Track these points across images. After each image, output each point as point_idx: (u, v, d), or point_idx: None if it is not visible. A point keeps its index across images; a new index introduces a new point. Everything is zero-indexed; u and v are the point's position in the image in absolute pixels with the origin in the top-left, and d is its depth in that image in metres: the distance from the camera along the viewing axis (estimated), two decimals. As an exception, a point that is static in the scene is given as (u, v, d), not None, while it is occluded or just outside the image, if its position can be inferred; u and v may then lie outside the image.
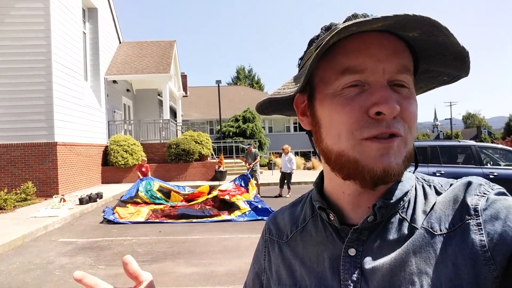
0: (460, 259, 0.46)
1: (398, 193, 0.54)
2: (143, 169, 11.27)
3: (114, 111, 16.63)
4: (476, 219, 0.47)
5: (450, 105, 55.96)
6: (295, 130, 32.25)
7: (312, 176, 17.22)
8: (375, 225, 0.54)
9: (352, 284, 0.52)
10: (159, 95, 20.74)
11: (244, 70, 53.87)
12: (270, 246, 0.69)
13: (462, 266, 0.45)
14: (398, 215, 0.54)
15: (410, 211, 0.54)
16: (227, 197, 9.16)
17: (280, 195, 11.18)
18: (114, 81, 16.39)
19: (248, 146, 12.01)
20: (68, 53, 12.04)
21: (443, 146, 8.28)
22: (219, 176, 15.42)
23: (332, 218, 0.57)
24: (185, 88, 25.15)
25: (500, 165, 8.31)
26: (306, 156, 29.21)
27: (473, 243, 0.46)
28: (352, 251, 0.54)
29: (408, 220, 0.53)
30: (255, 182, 11.33)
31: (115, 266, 4.95)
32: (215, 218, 7.86)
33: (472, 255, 0.45)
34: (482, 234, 0.46)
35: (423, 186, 0.57)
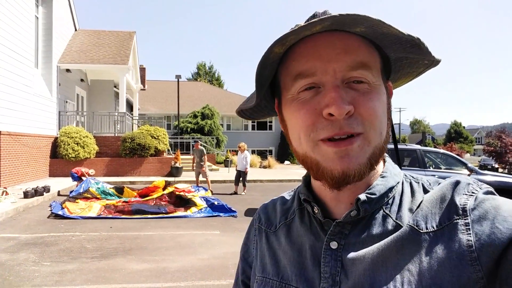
0: (444, 258, 0.46)
1: (381, 189, 0.54)
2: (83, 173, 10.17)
3: (66, 101, 15.83)
4: (464, 219, 0.47)
5: (399, 111, 58.96)
6: (253, 128, 32.49)
7: (268, 174, 17.45)
8: (358, 219, 0.54)
9: (331, 277, 0.53)
10: (115, 87, 20.01)
11: (205, 67, 53.32)
12: (258, 234, 0.70)
13: (446, 264, 0.45)
14: (382, 210, 0.54)
15: (395, 207, 0.54)
16: (183, 193, 9.09)
17: (235, 193, 11.24)
18: (68, 70, 15.60)
19: (195, 142, 11.97)
20: (17, 37, 11.29)
21: (390, 149, 8.74)
22: (174, 172, 15.20)
23: (316, 211, 0.57)
24: (143, 81, 24.46)
25: (441, 168, 8.94)
26: (262, 154, 29.54)
27: (460, 243, 0.46)
28: (333, 244, 0.54)
29: (393, 217, 0.53)
30: (205, 177, 11.48)
31: (61, 262, 4.77)
32: (171, 215, 7.77)
33: (458, 255, 0.45)
34: (470, 234, 0.45)
35: (410, 184, 0.57)
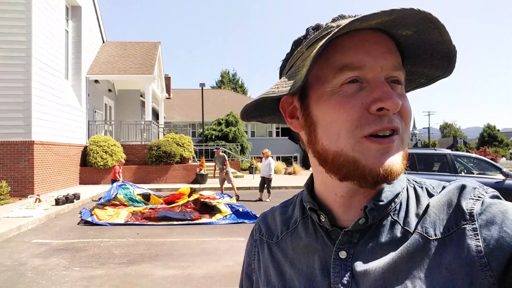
0: (455, 264, 0.45)
1: (389, 195, 0.53)
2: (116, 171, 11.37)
3: (95, 111, 16.37)
4: (472, 224, 0.46)
5: (429, 115, 57.40)
6: (277, 135, 32.43)
7: (293, 181, 17.32)
8: (367, 227, 0.53)
9: (342, 287, 0.51)
10: (141, 96, 20.52)
11: (229, 74, 53.87)
12: (259, 246, 0.68)
13: (457, 271, 0.45)
14: (390, 217, 0.53)
15: (402, 214, 0.53)
16: (208, 200, 9.14)
17: (260, 199, 11.20)
18: (96, 81, 16.15)
19: (216, 149, 11.82)
20: (49, 50, 11.80)
21: (420, 154, 8.49)
22: (200, 179, 15.33)
23: (323, 220, 0.56)
24: (168, 90, 24.98)
25: (473, 173, 8.59)
26: (287, 161, 29.39)
27: (469, 248, 0.45)
28: (343, 254, 0.53)
29: (401, 223, 0.52)
30: (230, 183, 11.45)
31: (90, 268, 4.87)
32: (196, 221, 7.82)
33: (468, 261, 0.44)
34: (478, 239, 0.45)
35: (414, 188, 0.56)
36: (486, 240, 0.44)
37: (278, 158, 29.63)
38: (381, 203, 0.52)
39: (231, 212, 8.30)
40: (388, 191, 0.53)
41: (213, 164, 19.07)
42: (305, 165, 29.49)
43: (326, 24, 0.53)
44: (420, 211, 0.52)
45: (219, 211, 8.30)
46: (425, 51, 0.51)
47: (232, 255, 5.46)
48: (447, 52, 0.49)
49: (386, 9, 0.43)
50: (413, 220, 0.51)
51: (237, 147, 23.42)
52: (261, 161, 23.94)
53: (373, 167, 0.48)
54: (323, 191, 0.58)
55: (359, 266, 0.51)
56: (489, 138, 60.14)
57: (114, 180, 11.13)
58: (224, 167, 11.36)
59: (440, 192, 0.54)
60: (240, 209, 8.44)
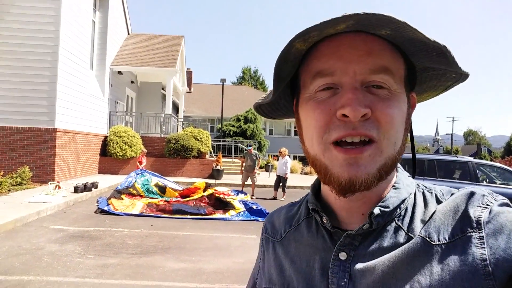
0: (457, 271, 0.44)
1: (395, 201, 0.53)
2: (139, 161, 11.83)
3: (117, 102, 16.65)
4: (479, 232, 0.46)
5: (453, 121, 55.97)
6: (295, 134, 32.24)
7: (309, 181, 17.20)
8: (369, 231, 0.53)
9: None
10: (163, 89, 20.75)
11: (250, 71, 53.92)
12: (265, 244, 0.69)
13: (458, 277, 0.44)
14: (394, 222, 0.52)
15: (407, 219, 0.52)
16: (222, 196, 9.18)
17: (274, 198, 11.18)
18: (119, 72, 16.41)
19: (249, 147, 11.74)
20: (76, 40, 12.05)
21: (440, 160, 8.29)
22: (216, 174, 15.42)
23: (325, 221, 0.56)
24: (189, 84, 25.18)
25: (495, 183, 8.32)
26: (304, 160, 29.21)
27: (473, 256, 0.44)
28: (342, 255, 0.53)
29: (405, 229, 0.51)
30: (252, 183, 11.39)
31: (104, 256, 4.96)
32: (210, 216, 7.86)
33: (471, 268, 0.44)
34: (484, 248, 0.44)
35: (423, 194, 0.55)
36: (493, 249, 0.44)
37: (295, 158, 29.51)
38: (387, 209, 0.52)
39: (244, 209, 8.31)
40: (394, 197, 0.53)
41: (229, 160, 19.23)
42: (322, 165, 29.21)
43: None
44: (427, 217, 0.51)
45: (233, 207, 8.32)
46: (419, 48, 0.49)
47: (243, 252, 5.46)
48: (438, 49, 0.47)
49: (338, 16, 0.43)
50: (417, 226, 0.51)
51: (255, 145, 23.42)
52: (277, 160, 23.81)
53: (337, 176, 0.49)
54: (326, 192, 0.58)
55: (358, 268, 0.51)
56: (516, 147, 58.14)
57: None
58: (256, 166, 11.31)
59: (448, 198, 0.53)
60: (254, 207, 8.44)
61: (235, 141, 22.32)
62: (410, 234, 0.50)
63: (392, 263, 0.48)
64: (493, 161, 39.17)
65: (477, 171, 8.01)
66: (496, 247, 0.44)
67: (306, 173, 22.63)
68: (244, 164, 11.47)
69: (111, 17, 15.31)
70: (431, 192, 0.55)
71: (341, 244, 0.53)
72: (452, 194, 0.53)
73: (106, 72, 15.06)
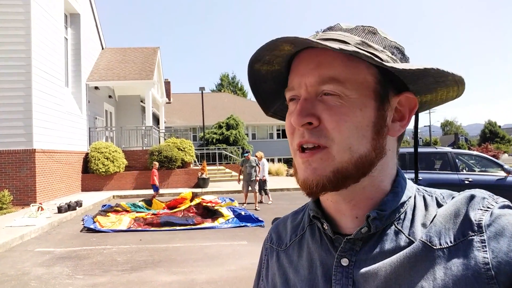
0: (460, 275, 0.44)
1: (393, 204, 0.53)
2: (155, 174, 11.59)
3: (96, 118, 16.41)
4: (480, 236, 0.46)
5: (429, 113, 57.30)
6: (278, 137, 32.43)
7: (295, 183, 17.19)
8: (369, 236, 0.53)
9: None
10: (142, 101, 20.57)
11: (228, 77, 53.96)
12: (269, 254, 0.68)
13: (461, 282, 0.44)
14: (394, 226, 0.52)
15: (407, 223, 0.52)
16: (210, 204, 9.15)
17: (260, 201, 11.09)
18: (96, 88, 16.20)
19: (246, 154, 10.98)
20: (49, 58, 11.84)
21: (420, 153, 8.48)
22: (201, 183, 15.35)
23: (326, 228, 0.56)
24: (168, 94, 25.02)
25: (475, 171, 8.57)
26: (289, 162, 29.36)
27: (476, 260, 0.44)
28: (344, 261, 0.53)
29: (405, 232, 0.51)
30: (253, 192, 10.51)
31: (94, 275, 4.87)
32: (198, 226, 7.82)
33: (474, 272, 0.44)
34: (486, 251, 0.44)
35: (424, 197, 0.55)
36: (495, 252, 0.44)
37: (279, 160, 29.61)
38: (384, 212, 0.52)
39: (233, 216, 8.30)
40: (392, 201, 0.53)
41: (214, 168, 19.17)
42: (307, 166, 29.41)
43: (381, 34, 0.55)
44: (428, 221, 0.51)
45: (221, 215, 8.30)
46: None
47: (235, 259, 5.46)
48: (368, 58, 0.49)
49: (279, 37, 0.48)
50: (418, 229, 0.51)
51: (239, 150, 23.43)
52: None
53: (298, 178, 0.54)
54: (322, 198, 0.59)
55: (361, 273, 0.51)
56: (491, 134, 60.07)
57: (154, 186, 11.43)
58: (256, 173, 10.45)
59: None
60: (243, 213, 8.44)
61: (218, 149, 22.27)
62: (411, 238, 0.50)
63: (394, 268, 0.48)
64: (470, 149, 40.29)
65: (457, 160, 8.23)
66: (498, 250, 0.44)
67: (291, 175, 22.73)
68: (242, 172, 10.68)
69: (83, 33, 15.12)
70: (432, 196, 0.55)
71: (342, 250, 0.54)
72: (453, 197, 0.53)
73: (82, 88, 14.84)
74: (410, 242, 0.50)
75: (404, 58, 0.55)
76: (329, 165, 0.51)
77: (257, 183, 10.73)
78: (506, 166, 8.17)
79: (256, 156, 11.04)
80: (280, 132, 32.49)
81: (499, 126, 63.38)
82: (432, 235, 0.49)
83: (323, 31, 0.56)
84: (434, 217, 0.51)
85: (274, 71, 0.58)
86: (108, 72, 16.58)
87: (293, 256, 0.62)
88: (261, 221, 8.02)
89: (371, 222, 0.51)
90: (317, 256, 0.57)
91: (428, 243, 0.48)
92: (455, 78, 0.52)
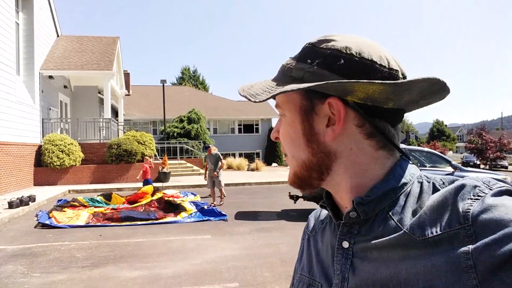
0: (441, 263, 0.46)
1: (377, 191, 0.56)
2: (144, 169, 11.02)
3: (50, 109, 15.59)
4: (467, 228, 0.46)
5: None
6: (239, 131, 32.49)
7: (256, 177, 17.47)
8: (364, 220, 0.57)
9: (341, 273, 0.58)
10: (99, 92, 19.79)
11: (189, 71, 53.09)
12: (305, 238, 0.76)
13: (442, 269, 0.45)
14: (385, 213, 0.55)
15: (398, 209, 0.55)
16: (172, 198, 9.06)
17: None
18: (50, 77, 15.37)
19: (207, 148, 10.31)
20: (-2, 44, 11.09)
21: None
22: (162, 177, 15.10)
23: (330, 213, 0.63)
24: (127, 86, 24.22)
25: (426, 166, 9.14)
26: (250, 157, 29.53)
27: (458, 251, 0.45)
28: (345, 244, 0.58)
29: (395, 219, 0.54)
30: (218, 189, 9.89)
31: (51, 273, 4.70)
32: (161, 221, 7.73)
33: (455, 261, 0.45)
34: (470, 244, 0.44)
35: (421, 184, 0.57)
36: (478, 245, 0.44)
37: (240, 155, 29.70)
38: (368, 198, 0.56)
39: (196, 210, 8.29)
40: (378, 187, 0.57)
41: (175, 162, 18.88)
42: (267, 161, 29.78)
43: (318, 46, 0.59)
44: (419, 209, 0.53)
45: (184, 209, 8.26)
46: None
47: (199, 253, 5.48)
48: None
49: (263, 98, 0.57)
50: (407, 217, 0.53)
51: (200, 144, 23.23)
52: (224, 159, 23.64)
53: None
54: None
55: (357, 255, 0.56)
56: (438, 132, 63.61)
57: (146, 180, 10.77)
58: (218, 168, 9.77)
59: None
60: (205, 207, 8.46)
61: (179, 143, 21.96)
62: (399, 224, 0.53)
63: (383, 252, 0.52)
64: (420, 146, 42.55)
65: (410, 157, 8.73)
66: (482, 244, 0.44)
67: (252, 169, 22.92)
68: (207, 168, 10.10)
69: (37, 18, 14.26)
70: (429, 182, 0.56)
71: (341, 233, 0.59)
72: (453, 182, 0.53)
73: (35, 77, 14.03)
74: (398, 229, 0.52)
75: (337, 64, 0.56)
76: (291, 169, 0.64)
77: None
78: (453, 162, 8.78)
79: (208, 151, 10.26)
80: (242, 127, 32.57)
81: (446, 125, 67.30)
82: (416, 227, 0.50)
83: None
84: (424, 206, 0.52)
85: None
86: (63, 60, 15.78)
87: (318, 241, 0.70)
88: (224, 215, 8.07)
89: (357, 207, 0.55)
90: (330, 240, 0.64)
91: (412, 234, 0.50)
92: (347, 85, 0.53)
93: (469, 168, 9.35)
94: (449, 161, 8.87)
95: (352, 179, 0.59)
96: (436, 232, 0.48)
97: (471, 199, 0.47)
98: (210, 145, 10.40)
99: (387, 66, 0.57)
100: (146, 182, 10.77)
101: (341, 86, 0.53)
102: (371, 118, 0.57)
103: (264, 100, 0.57)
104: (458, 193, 0.49)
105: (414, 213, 0.53)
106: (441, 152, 30.36)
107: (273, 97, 0.57)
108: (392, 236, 0.52)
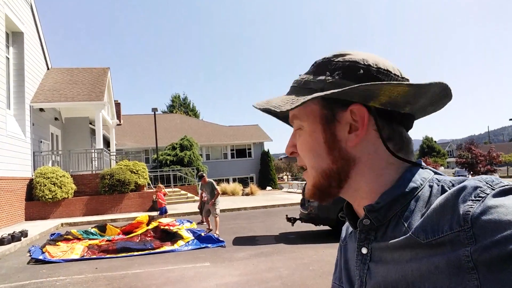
0: (443, 265, 0.47)
1: (386, 197, 0.58)
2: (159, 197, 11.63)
3: (41, 141, 15.45)
4: (466, 231, 0.46)
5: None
6: (232, 156, 32.45)
7: (251, 202, 17.33)
8: (379, 226, 0.58)
9: (360, 278, 0.60)
10: (91, 123, 19.72)
11: (179, 98, 53.43)
12: (340, 249, 0.78)
13: (445, 270, 0.46)
14: (398, 217, 0.57)
15: (408, 214, 0.56)
16: (168, 227, 8.91)
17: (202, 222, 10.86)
18: (41, 109, 15.32)
19: (202, 177, 9.87)
20: (-12, 79, 11.09)
21: None
22: (156, 206, 14.87)
23: (349, 223, 0.66)
24: (119, 116, 24.25)
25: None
26: (244, 182, 29.39)
27: (459, 253, 0.45)
28: (364, 250, 0.60)
29: (405, 223, 0.55)
30: (214, 217, 9.24)
31: (48, 309, 4.55)
32: (158, 250, 7.57)
33: (456, 263, 0.45)
34: (469, 246, 0.45)
35: (431, 187, 0.57)
36: (477, 246, 0.44)
37: (234, 180, 29.55)
38: (377, 204, 0.58)
39: (193, 238, 8.16)
40: (387, 193, 0.58)
41: (169, 190, 18.68)
42: (261, 185, 29.65)
43: (335, 60, 0.63)
44: (426, 212, 0.53)
45: (181, 237, 8.13)
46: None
47: (200, 282, 5.36)
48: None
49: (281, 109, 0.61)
50: (416, 220, 0.54)
51: (193, 171, 23.10)
52: (218, 185, 23.54)
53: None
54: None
55: (374, 261, 0.58)
56: (428, 149, 64.31)
57: (161, 209, 11.55)
58: (214, 198, 9.34)
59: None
60: (203, 234, 8.34)
61: (173, 170, 21.82)
62: (408, 228, 0.54)
63: (394, 256, 0.54)
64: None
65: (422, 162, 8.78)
66: (481, 245, 0.44)
67: (247, 194, 22.78)
68: (202, 196, 9.94)
69: (27, 52, 14.36)
70: (439, 185, 0.56)
71: (359, 240, 0.61)
72: (461, 182, 0.53)
73: (26, 110, 13.98)
74: (407, 233, 0.53)
75: (351, 75, 0.60)
76: (310, 181, 0.65)
77: (204, 204, 9.83)
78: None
79: (202, 179, 9.91)
80: (235, 152, 32.56)
81: (435, 141, 68.19)
82: (420, 230, 0.51)
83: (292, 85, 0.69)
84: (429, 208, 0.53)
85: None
86: (54, 93, 15.79)
87: (348, 250, 0.72)
88: (222, 241, 7.95)
89: (369, 214, 0.58)
90: (354, 248, 0.65)
91: (416, 237, 0.51)
92: (372, 87, 0.56)
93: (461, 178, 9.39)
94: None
95: (368, 185, 0.61)
96: (438, 235, 0.48)
97: (472, 200, 0.47)
98: (204, 174, 10.21)
99: (400, 76, 0.62)
100: (161, 211, 11.57)
101: (367, 91, 0.56)
102: (389, 122, 0.61)
103: (291, 109, 0.59)
104: (459, 195, 0.49)
105: (422, 216, 0.53)
106: (433, 168, 30.57)
107: (301, 105, 0.58)
108: (401, 238, 0.53)
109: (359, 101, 0.60)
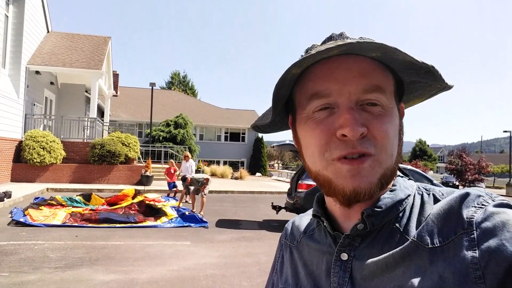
0: (449, 274, 0.44)
1: (388, 202, 0.54)
2: (172, 171, 11.98)
3: (34, 104, 15.27)
4: (470, 234, 0.45)
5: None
6: (225, 139, 32.45)
7: (239, 185, 17.40)
8: (368, 233, 0.54)
9: (339, 287, 0.54)
10: (86, 91, 19.51)
11: (179, 76, 53.00)
12: (284, 249, 0.72)
13: (450, 281, 0.44)
14: (392, 224, 0.53)
15: (404, 221, 0.53)
16: (153, 202, 8.93)
17: (186, 202, 10.92)
18: (37, 72, 15.08)
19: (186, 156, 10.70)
20: (-16, 35, 10.85)
21: None
22: (145, 180, 14.90)
23: (325, 225, 0.59)
24: (116, 87, 23.96)
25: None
26: (234, 165, 29.46)
27: (464, 259, 0.44)
28: (344, 256, 0.55)
29: (401, 230, 0.52)
30: (202, 197, 9.16)
31: (22, 273, 4.54)
32: (140, 224, 7.58)
33: (462, 271, 0.43)
34: (475, 250, 0.43)
35: (422, 195, 0.56)
36: (483, 251, 0.43)
37: (225, 163, 29.59)
38: (379, 209, 0.53)
39: (177, 215, 8.18)
40: (387, 198, 0.54)
41: (159, 166, 18.66)
42: (251, 170, 29.76)
43: (312, 46, 0.56)
44: (423, 219, 0.52)
45: (165, 214, 8.14)
46: (407, 67, 0.54)
47: (178, 259, 5.39)
48: (426, 68, 0.52)
49: (331, 46, 0.47)
50: (413, 227, 0.52)
51: (185, 149, 23.07)
52: (208, 165, 23.68)
53: (341, 188, 0.52)
54: (328, 201, 0.61)
55: (357, 268, 0.53)
56: (420, 152, 64.61)
57: (170, 183, 11.92)
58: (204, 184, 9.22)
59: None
60: (187, 213, 8.35)
61: (165, 147, 21.77)
62: (405, 235, 0.51)
63: (388, 265, 0.50)
64: (403, 163, 43.08)
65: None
66: (486, 249, 0.43)
67: (236, 178, 22.84)
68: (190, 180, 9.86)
69: (27, 12, 14.04)
70: (429, 194, 0.55)
71: (342, 245, 0.56)
72: (452, 193, 0.53)
73: (21, 71, 13.75)
74: (405, 240, 0.51)
75: None
76: (377, 172, 0.52)
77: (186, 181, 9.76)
78: (435, 181, 8.93)
79: (186, 156, 11.17)
80: (228, 135, 32.52)
81: (428, 145, 68.51)
82: (423, 234, 0.49)
83: (339, 37, 0.55)
84: (429, 215, 0.51)
85: (295, 74, 0.54)
86: (52, 57, 15.53)
87: (302, 252, 0.65)
88: (205, 222, 7.98)
89: (366, 219, 0.53)
90: (322, 252, 0.60)
91: (419, 242, 0.48)
92: (442, 87, 0.58)
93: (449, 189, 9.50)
94: (430, 180, 9.01)
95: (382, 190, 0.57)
96: (443, 240, 0.47)
97: (475, 207, 0.47)
98: (188, 156, 11.28)
99: None
100: (170, 186, 12.00)
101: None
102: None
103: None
104: (463, 201, 0.49)
105: (418, 223, 0.52)
106: (422, 171, 30.88)
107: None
108: (399, 248, 0.50)
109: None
